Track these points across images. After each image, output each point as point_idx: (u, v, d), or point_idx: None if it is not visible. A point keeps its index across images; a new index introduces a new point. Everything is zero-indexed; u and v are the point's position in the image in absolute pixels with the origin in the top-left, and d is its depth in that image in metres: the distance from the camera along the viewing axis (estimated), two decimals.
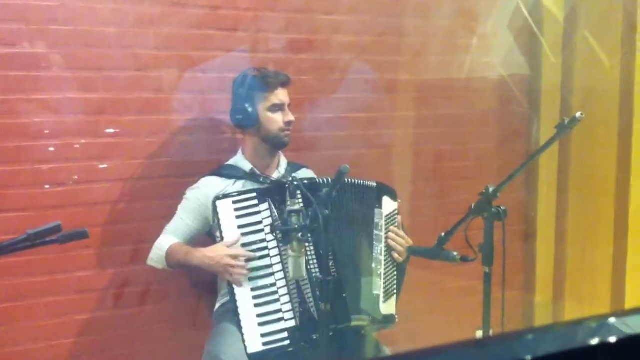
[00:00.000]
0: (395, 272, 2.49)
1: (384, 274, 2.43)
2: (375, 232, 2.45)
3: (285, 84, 2.54)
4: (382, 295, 2.41)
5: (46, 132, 2.60)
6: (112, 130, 2.70)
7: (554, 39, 3.53)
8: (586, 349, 0.67)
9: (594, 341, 0.67)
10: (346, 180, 2.43)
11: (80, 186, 2.66)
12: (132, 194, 2.75)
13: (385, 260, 2.44)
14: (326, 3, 3.08)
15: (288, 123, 2.53)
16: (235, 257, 2.29)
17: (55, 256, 2.62)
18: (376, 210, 2.47)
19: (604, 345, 0.67)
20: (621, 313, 0.72)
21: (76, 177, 2.64)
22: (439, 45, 3.34)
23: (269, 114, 2.50)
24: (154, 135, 2.79)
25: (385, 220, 2.46)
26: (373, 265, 2.44)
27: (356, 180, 2.46)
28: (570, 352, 0.66)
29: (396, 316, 2.47)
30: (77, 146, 2.64)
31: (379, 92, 3.26)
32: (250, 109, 2.47)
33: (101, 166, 2.69)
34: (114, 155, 2.71)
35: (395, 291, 2.49)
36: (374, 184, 2.49)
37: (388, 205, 2.49)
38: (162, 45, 2.77)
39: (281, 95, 2.52)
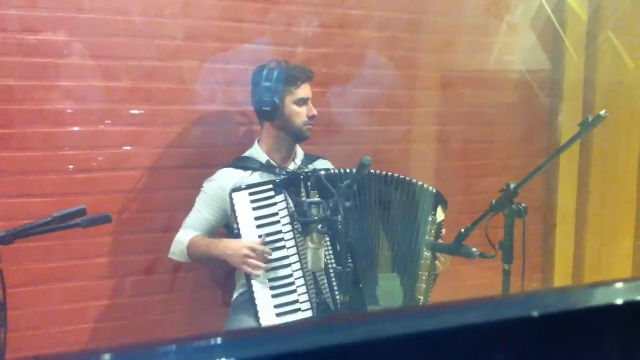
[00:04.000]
0: (432, 280, 2.51)
1: (427, 279, 2.45)
2: (427, 237, 2.46)
3: (310, 78, 2.58)
4: (422, 300, 2.43)
5: (70, 119, 2.62)
6: (135, 117, 2.72)
7: (577, 37, 3.51)
8: (594, 310, 0.68)
9: (602, 302, 0.68)
10: (408, 179, 2.46)
11: (103, 173, 2.68)
12: (153, 182, 2.77)
13: (430, 267, 2.45)
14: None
15: (312, 117, 2.56)
16: (253, 250, 2.30)
17: (75, 242, 2.64)
18: (431, 217, 2.47)
19: (611, 307, 0.68)
20: (632, 279, 0.73)
21: (100, 158, 2.66)
22: (463, 41, 3.33)
23: (296, 108, 2.52)
24: (177, 124, 2.80)
25: (436, 229, 2.48)
26: (419, 270, 2.44)
27: (418, 182, 2.48)
28: (578, 311, 0.67)
29: None
30: (101, 133, 2.67)
31: (404, 87, 3.26)
32: (277, 102, 2.49)
33: (125, 152, 2.71)
34: (137, 143, 2.73)
35: (429, 297, 2.51)
36: (434, 190, 2.50)
37: (440, 214, 2.51)
38: (186, 36, 2.78)
39: (306, 90, 2.55)
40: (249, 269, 2.31)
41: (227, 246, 2.37)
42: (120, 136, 2.71)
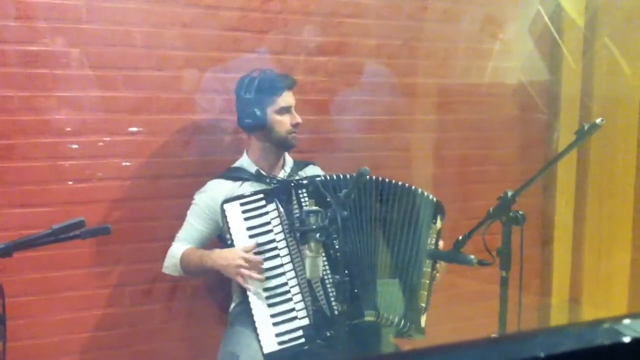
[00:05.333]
0: (431, 287, 2.51)
1: (429, 286, 2.46)
2: (429, 246, 2.47)
3: (291, 86, 2.54)
4: (424, 306, 2.45)
5: (69, 129, 2.63)
6: (133, 129, 2.74)
7: (574, 45, 3.52)
8: (600, 349, 0.68)
9: (609, 341, 0.68)
10: (408, 186, 2.46)
11: (102, 183, 2.69)
12: (152, 192, 2.78)
13: (431, 275, 2.47)
14: (354, 8, 3.11)
15: (295, 125, 2.53)
16: (248, 261, 2.30)
17: (74, 252, 2.65)
18: (432, 225, 2.49)
19: (618, 345, 0.68)
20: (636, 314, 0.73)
21: (99, 170, 2.68)
22: (460, 50, 3.35)
23: (277, 117, 2.50)
24: (175, 134, 2.81)
25: (436, 237, 2.49)
26: (422, 277, 2.45)
27: (418, 189, 2.48)
28: (585, 351, 0.67)
29: (424, 328, 2.50)
30: (100, 143, 2.68)
31: (403, 96, 3.27)
32: (259, 113, 2.48)
33: (123, 162, 2.72)
34: (136, 153, 2.74)
35: (429, 305, 2.51)
36: (434, 199, 2.51)
37: (438, 223, 2.52)
38: (185, 46, 2.79)
39: (288, 98, 2.52)
40: (241, 280, 2.32)
41: (221, 256, 2.36)
42: (119, 146, 2.72)
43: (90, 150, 2.67)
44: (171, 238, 2.58)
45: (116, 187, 2.72)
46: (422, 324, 2.47)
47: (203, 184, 2.60)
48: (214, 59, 2.85)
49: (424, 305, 2.44)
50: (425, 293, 2.45)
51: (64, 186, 2.63)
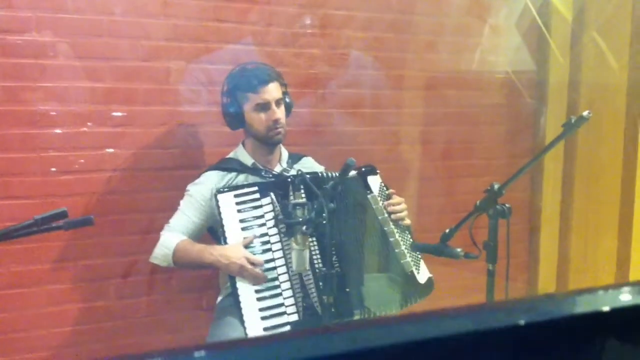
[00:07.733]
0: (410, 239, 2.48)
1: (406, 249, 2.42)
2: (380, 217, 2.41)
3: (268, 81, 2.44)
4: (414, 269, 2.41)
5: (53, 120, 2.60)
6: (119, 118, 2.70)
7: (562, 38, 3.53)
8: (580, 317, 0.69)
9: (588, 310, 0.69)
10: (332, 174, 2.40)
11: (87, 175, 2.66)
12: (137, 183, 2.76)
13: (401, 237, 2.42)
14: None
15: (275, 121, 2.45)
16: (252, 262, 2.27)
17: (59, 244, 2.62)
18: (370, 197, 2.42)
19: (597, 314, 0.68)
20: (618, 285, 0.73)
21: (82, 160, 2.65)
22: (447, 42, 3.34)
23: (253, 114, 2.45)
24: (161, 125, 2.79)
25: (381, 200, 2.43)
26: (394, 248, 2.40)
27: (348, 174, 2.35)
28: (564, 319, 0.67)
29: (432, 276, 2.47)
30: (84, 135, 2.65)
31: (388, 88, 3.26)
32: (236, 110, 2.46)
33: (108, 153, 2.69)
34: (120, 145, 2.72)
35: (419, 255, 2.47)
36: (355, 173, 2.42)
37: (374, 183, 2.45)
38: (170, 36, 2.76)
39: (265, 94, 2.43)
40: (249, 278, 2.28)
41: (223, 254, 2.30)
42: (104, 137, 2.69)
43: (74, 142, 2.64)
44: (155, 230, 2.53)
45: (100, 178, 2.69)
46: (423, 279, 2.42)
47: (187, 176, 2.57)
48: (200, 50, 2.82)
49: (411, 269, 2.39)
50: (407, 258, 2.39)
51: (47, 178, 2.60)
